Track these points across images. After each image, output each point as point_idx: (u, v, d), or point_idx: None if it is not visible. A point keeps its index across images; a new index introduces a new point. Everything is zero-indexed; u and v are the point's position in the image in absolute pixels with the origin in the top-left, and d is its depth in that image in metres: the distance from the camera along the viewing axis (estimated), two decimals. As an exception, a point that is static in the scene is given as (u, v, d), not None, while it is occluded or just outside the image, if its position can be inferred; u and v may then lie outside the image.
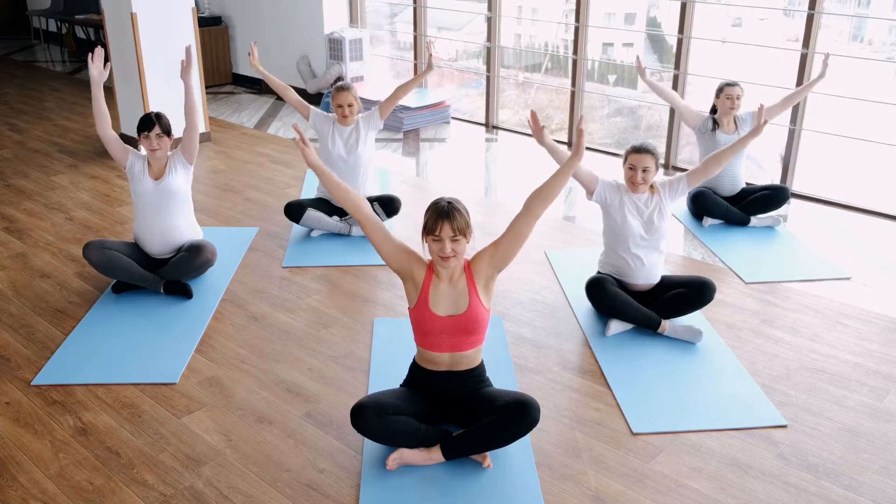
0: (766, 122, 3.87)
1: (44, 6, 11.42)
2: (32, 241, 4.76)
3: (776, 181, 5.70)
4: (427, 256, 2.87)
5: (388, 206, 4.75)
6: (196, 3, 6.98)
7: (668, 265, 4.39)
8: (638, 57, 5.12)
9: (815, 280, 4.29)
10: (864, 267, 4.46)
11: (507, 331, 3.75)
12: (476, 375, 2.94)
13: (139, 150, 4.16)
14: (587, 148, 6.68)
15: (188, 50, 4.09)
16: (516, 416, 2.73)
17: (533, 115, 3.48)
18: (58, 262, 4.48)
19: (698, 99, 6.16)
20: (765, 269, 4.40)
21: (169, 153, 4.09)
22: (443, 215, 2.72)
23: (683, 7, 5.83)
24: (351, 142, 4.73)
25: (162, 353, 3.55)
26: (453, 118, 7.49)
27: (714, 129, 4.94)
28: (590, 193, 3.75)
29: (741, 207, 4.94)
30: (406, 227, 4.90)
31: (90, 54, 3.92)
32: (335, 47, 7.75)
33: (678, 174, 3.81)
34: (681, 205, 5.16)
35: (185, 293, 4.02)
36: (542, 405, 2.84)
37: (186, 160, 4.08)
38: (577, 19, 6.43)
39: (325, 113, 4.83)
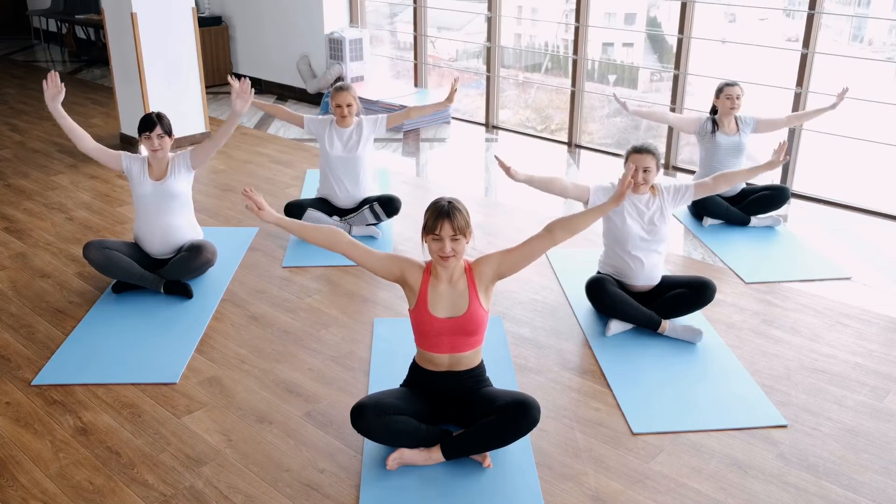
0: (786, 158, 3.85)
1: (44, 6, 11.42)
2: (32, 241, 4.77)
3: (776, 181, 5.69)
4: (425, 257, 2.88)
5: (388, 206, 4.75)
6: (196, 3, 6.98)
7: (668, 265, 4.39)
8: (615, 95, 5.09)
9: (815, 280, 4.29)
10: (864, 267, 4.46)
11: (507, 331, 3.75)
12: (476, 375, 2.94)
13: (139, 152, 4.15)
14: (586, 148, 6.70)
15: (246, 81, 3.94)
16: (516, 416, 2.73)
17: (498, 160, 3.57)
18: (58, 262, 4.48)
19: (698, 99, 6.17)
20: (765, 269, 4.40)
21: (171, 154, 4.09)
22: (443, 214, 2.72)
23: (683, 7, 5.83)
24: (351, 144, 4.72)
25: (162, 353, 3.55)
26: (453, 118, 7.50)
27: (714, 131, 4.93)
28: (585, 204, 3.75)
29: (741, 207, 4.94)
30: (406, 227, 4.90)
31: (44, 81, 3.89)
32: (335, 47, 7.75)
33: (685, 183, 3.80)
34: (681, 205, 5.16)
35: (186, 293, 4.02)
36: (542, 405, 2.84)
37: (191, 164, 4.06)
38: (577, 19, 6.44)
39: (319, 116, 4.83)
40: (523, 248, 2.88)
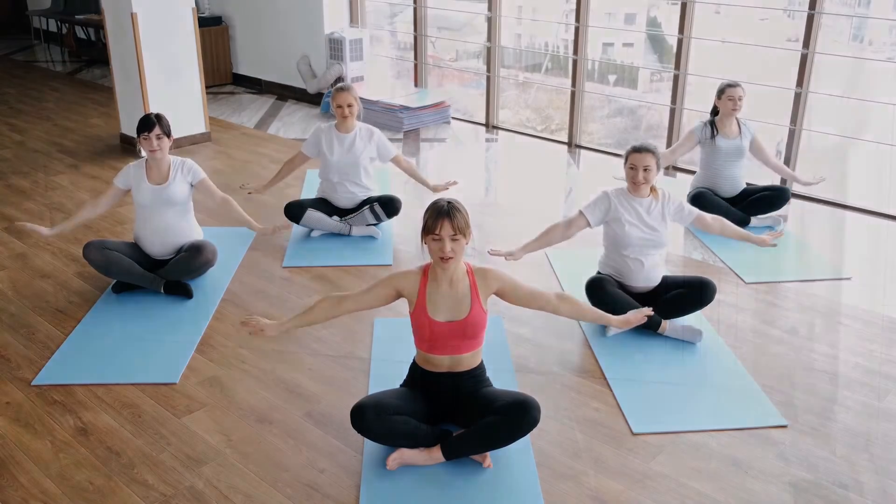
0: (774, 245, 3.94)
1: (44, 6, 11.42)
2: (32, 241, 4.76)
3: (776, 181, 5.69)
4: (425, 259, 2.87)
5: (388, 206, 4.75)
6: (196, 3, 6.98)
7: (668, 265, 4.39)
8: (615, 176, 5.06)
9: (815, 280, 4.29)
10: (864, 267, 4.46)
11: (507, 331, 3.75)
12: (476, 376, 2.94)
13: (139, 153, 4.15)
14: (586, 148, 6.71)
15: (288, 230, 4.02)
16: (516, 416, 2.73)
17: (492, 253, 3.65)
18: (58, 262, 4.48)
19: (698, 99, 6.16)
20: (765, 269, 4.40)
21: (179, 159, 4.09)
22: (443, 214, 2.72)
23: (683, 7, 5.83)
24: (354, 150, 4.72)
25: (162, 353, 3.55)
26: (453, 118, 7.50)
27: (713, 136, 4.92)
28: (589, 226, 3.75)
29: (742, 208, 4.93)
30: (406, 227, 4.90)
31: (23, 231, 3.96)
32: (335, 47, 7.75)
33: (692, 209, 3.80)
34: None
35: (186, 293, 4.02)
36: (542, 405, 2.83)
37: (193, 185, 4.11)
38: (577, 19, 6.44)
39: (310, 135, 4.82)
40: (531, 295, 2.94)
